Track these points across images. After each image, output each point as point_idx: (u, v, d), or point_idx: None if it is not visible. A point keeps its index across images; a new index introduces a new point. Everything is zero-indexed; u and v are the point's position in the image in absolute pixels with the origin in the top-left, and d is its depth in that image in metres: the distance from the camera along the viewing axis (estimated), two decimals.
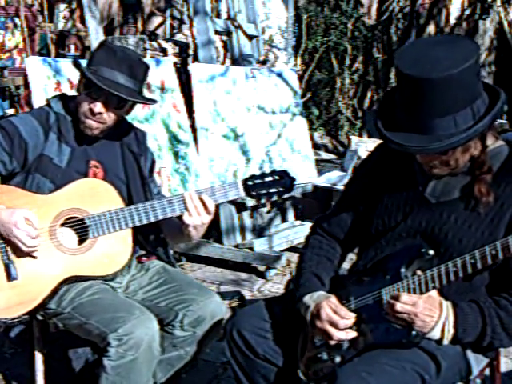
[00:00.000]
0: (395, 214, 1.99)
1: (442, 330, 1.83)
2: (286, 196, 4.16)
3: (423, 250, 1.86)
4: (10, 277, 2.17)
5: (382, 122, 1.83)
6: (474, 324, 1.82)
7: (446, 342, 1.84)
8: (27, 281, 2.19)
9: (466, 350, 1.91)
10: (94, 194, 2.29)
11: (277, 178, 2.39)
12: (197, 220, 2.29)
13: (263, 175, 2.39)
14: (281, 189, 2.39)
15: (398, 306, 1.81)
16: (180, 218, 2.31)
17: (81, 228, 2.27)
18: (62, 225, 2.26)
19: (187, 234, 2.34)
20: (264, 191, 2.37)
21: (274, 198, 2.40)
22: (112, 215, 2.26)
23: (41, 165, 2.28)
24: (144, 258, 2.50)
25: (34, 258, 2.20)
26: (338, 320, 1.92)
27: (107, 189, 2.32)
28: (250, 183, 2.35)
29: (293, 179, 2.40)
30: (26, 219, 2.15)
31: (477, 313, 1.82)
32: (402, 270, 1.88)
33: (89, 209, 2.26)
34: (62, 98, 2.42)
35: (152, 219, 2.29)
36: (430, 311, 1.81)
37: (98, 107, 2.28)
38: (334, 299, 1.97)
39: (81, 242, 2.28)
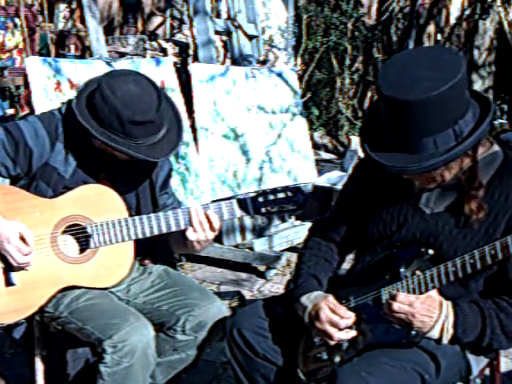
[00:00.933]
0: (389, 224, 1.99)
1: (441, 330, 1.83)
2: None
3: (423, 250, 1.87)
4: (8, 282, 2.15)
5: (367, 140, 1.83)
6: (474, 324, 1.82)
7: (444, 341, 1.84)
8: (25, 287, 2.17)
9: (465, 350, 1.91)
10: (98, 202, 2.25)
11: (289, 194, 2.28)
12: (201, 236, 2.24)
13: (274, 191, 2.29)
14: (293, 207, 2.28)
15: (395, 306, 1.81)
16: (184, 232, 2.25)
17: (82, 236, 2.24)
18: (64, 232, 2.23)
19: (190, 247, 2.30)
20: (275, 209, 2.28)
21: (285, 216, 2.29)
22: (115, 225, 2.23)
23: (45, 173, 2.25)
24: (146, 261, 2.47)
25: (34, 264, 2.17)
26: (338, 320, 1.92)
27: (113, 197, 2.28)
28: (260, 200, 2.27)
29: (306, 196, 2.30)
30: (21, 236, 2.12)
31: (477, 313, 1.82)
32: (402, 269, 1.88)
33: (92, 216, 2.23)
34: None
35: (156, 232, 2.25)
36: (428, 311, 1.81)
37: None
38: (331, 298, 1.96)
39: (82, 250, 2.25)
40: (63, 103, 2.37)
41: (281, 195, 2.29)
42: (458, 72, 1.69)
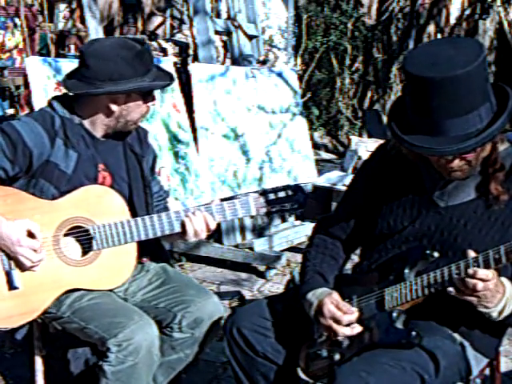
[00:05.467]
0: (401, 217, 1.98)
1: (504, 306, 1.79)
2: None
3: (428, 252, 1.86)
4: (11, 286, 2.13)
5: (404, 133, 1.80)
6: None
7: (500, 317, 1.80)
8: (28, 291, 2.15)
9: (465, 349, 1.91)
10: (100, 203, 2.24)
11: (290, 193, 2.31)
12: (196, 238, 2.30)
13: (276, 190, 2.32)
14: (294, 205, 2.31)
15: (480, 286, 1.72)
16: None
17: (85, 238, 2.23)
18: (67, 234, 2.21)
19: (183, 240, 2.40)
20: (276, 208, 2.30)
21: (286, 215, 2.34)
22: (118, 227, 2.22)
23: (46, 170, 2.23)
24: (144, 259, 2.47)
25: (36, 267, 2.15)
26: (341, 316, 1.91)
27: (114, 197, 2.27)
28: (261, 199, 2.30)
29: (307, 195, 2.33)
30: (29, 232, 2.11)
31: None
32: (406, 270, 1.88)
33: (94, 218, 2.22)
34: (65, 99, 2.34)
35: (158, 234, 2.26)
36: (497, 286, 1.76)
37: (154, 101, 2.37)
38: (336, 295, 1.96)
39: (85, 252, 2.24)
40: (51, 100, 2.35)
41: (281, 194, 2.32)
42: (481, 46, 1.74)
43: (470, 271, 1.73)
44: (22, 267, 2.14)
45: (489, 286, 1.73)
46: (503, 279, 1.79)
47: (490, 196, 1.86)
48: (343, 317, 1.91)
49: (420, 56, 1.78)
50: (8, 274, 2.13)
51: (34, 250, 2.12)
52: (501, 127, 1.74)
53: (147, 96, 2.33)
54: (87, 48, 2.30)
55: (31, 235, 2.12)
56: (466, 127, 1.72)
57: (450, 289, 1.78)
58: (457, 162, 1.81)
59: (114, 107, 2.28)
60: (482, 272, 1.72)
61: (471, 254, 1.76)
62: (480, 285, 1.72)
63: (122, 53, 2.25)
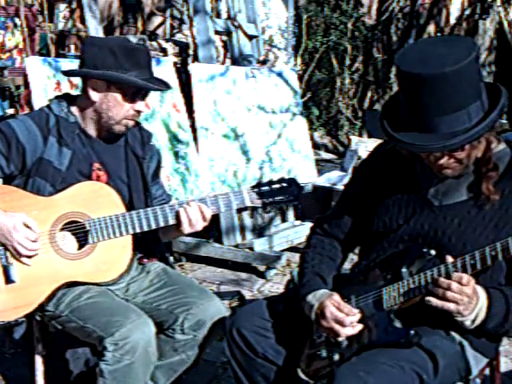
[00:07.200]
0: (396, 216, 1.98)
1: (477, 315, 1.80)
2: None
3: (425, 250, 1.86)
4: (8, 280, 2.16)
5: (394, 129, 1.81)
6: (501, 311, 1.81)
7: (472, 326, 1.81)
8: (25, 284, 2.18)
9: (464, 349, 1.91)
10: (95, 198, 2.27)
11: (284, 185, 2.33)
12: (191, 229, 2.29)
13: (270, 183, 2.33)
14: (289, 197, 2.33)
15: (455, 287, 1.74)
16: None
17: (81, 232, 2.25)
18: (63, 229, 2.24)
19: (179, 234, 2.38)
20: (271, 200, 2.32)
21: (281, 206, 2.35)
22: (113, 220, 2.24)
23: (40, 169, 2.26)
24: (145, 260, 2.48)
25: (33, 261, 2.18)
26: (344, 317, 1.91)
27: (109, 193, 2.30)
28: (255, 191, 2.31)
29: (301, 188, 2.34)
30: (25, 224, 2.15)
31: (502, 300, 1.82)
32: (403, 269, 1.88)
33: (90, 213, 2.25)
34: (65, 98, 2.38)
35: (153, 226, 2.27)
36: (474, 293, 1.77)
37: (143, 106, 2.33)
38: (336, 297, 1.96)
39: (80, 246, 2.26)
40: (51, 100, 2.40)
41: (276, 186, 2.33)
42: (473, 46, 1.74)
43: (444, 274, 1.77)
44: (18, 257, 2.16)
45: (465, 291, 1.75)
46: (478, 289, 1.80)
47: (481, 196, 1.86)
48: (345, 318, 1.91)
49: (412, 53, 1.79)
50: (6, 268, 2.17)
51: (31, 241, 2.15)
52: (489, 126, 1.75)
53: (130, 95, 2.28)
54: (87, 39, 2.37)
55: (28, 228, 2.16)
56: (454, 125, 1.73)
57: (429, 298, 1.79)
58: (445, 160, 1.82)
59: (94, 95, 2.29)
60: (456, 274, 1.75)
61: (449, 259, 1.79)
62: (454, 285, 1.74)
63: (111, 44, 2.27)
